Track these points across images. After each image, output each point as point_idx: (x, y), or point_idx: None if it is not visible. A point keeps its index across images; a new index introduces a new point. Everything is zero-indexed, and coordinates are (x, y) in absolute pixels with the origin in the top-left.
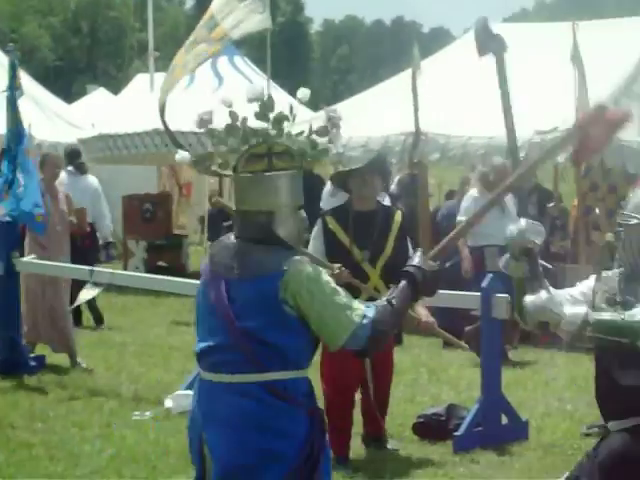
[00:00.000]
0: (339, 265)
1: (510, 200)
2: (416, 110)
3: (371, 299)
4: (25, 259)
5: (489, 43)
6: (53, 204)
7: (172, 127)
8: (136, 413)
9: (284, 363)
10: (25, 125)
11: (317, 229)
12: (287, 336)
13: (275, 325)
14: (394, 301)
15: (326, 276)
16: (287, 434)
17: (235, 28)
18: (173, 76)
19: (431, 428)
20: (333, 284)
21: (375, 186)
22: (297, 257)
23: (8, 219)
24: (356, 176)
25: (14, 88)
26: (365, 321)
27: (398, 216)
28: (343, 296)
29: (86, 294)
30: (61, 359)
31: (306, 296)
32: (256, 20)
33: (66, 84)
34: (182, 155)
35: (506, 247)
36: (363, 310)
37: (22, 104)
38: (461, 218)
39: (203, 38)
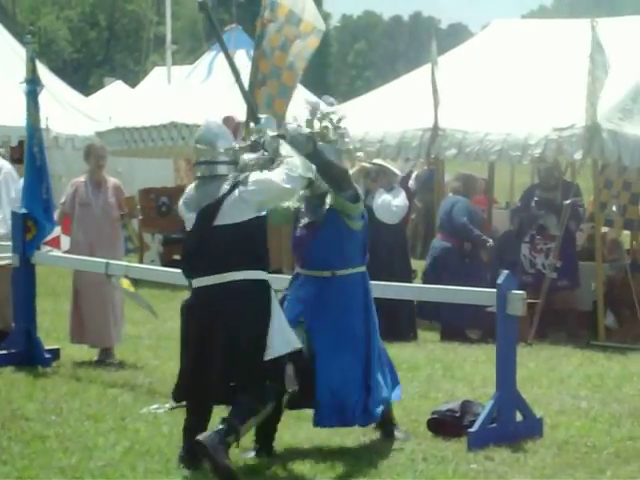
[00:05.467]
0: None
1: None
2: (436, 105)
3: None
4: (41, 251)
5: None
6: (95, 196)
7: (189, 121)
8: (151, 407)
9: None
10: (43, 118)
11: None
12: None
13: None
14: None
15: None
16: None
17: (318, 19)
18: (282, 81)
19: (445, 424)
20: None
21: None
22: None
23: (24, 210)
24: None
25: (35, 82)
26: None
27: None
28: None
29: (125, 284)
30: (76, 351)
31: None
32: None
33: (83, 77)
34: None
35: None
36: None
37: (39, 97)
38: None
39: (295, 34)
